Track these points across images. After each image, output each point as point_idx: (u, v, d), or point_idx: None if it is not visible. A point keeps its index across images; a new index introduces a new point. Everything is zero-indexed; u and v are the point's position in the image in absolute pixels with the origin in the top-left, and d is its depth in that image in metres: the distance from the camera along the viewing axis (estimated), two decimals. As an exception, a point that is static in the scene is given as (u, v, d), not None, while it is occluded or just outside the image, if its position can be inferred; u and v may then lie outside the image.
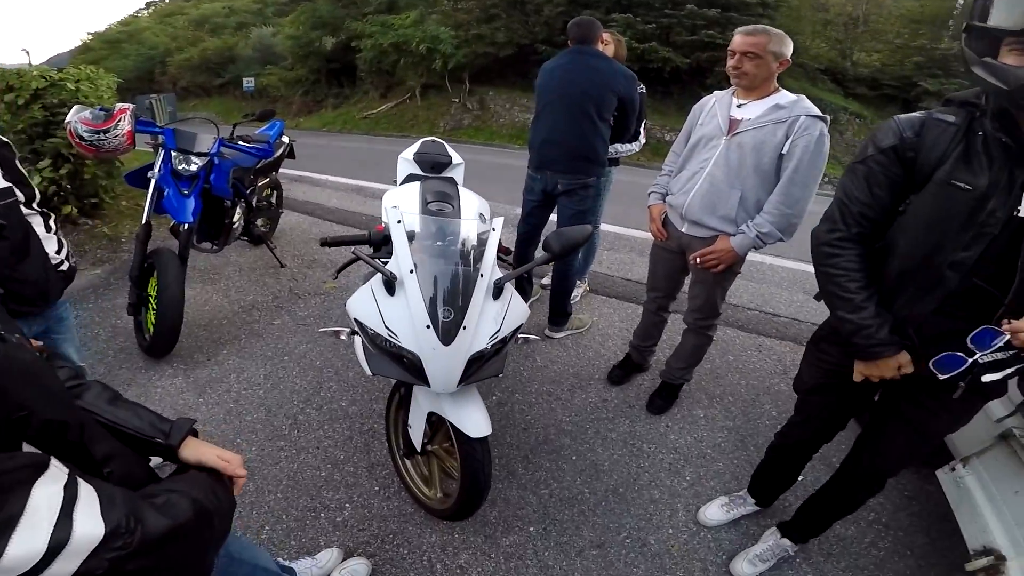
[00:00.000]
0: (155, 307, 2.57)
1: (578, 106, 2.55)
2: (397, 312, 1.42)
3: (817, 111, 1.86)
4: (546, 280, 3.51)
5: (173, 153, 2.76)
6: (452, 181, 2.16)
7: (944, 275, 1.18)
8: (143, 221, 2.69)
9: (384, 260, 1.56)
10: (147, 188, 2.73)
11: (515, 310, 1.54)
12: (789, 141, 1.84)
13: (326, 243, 1.63)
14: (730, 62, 1.93)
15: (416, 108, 17.48)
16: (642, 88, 2.84)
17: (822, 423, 1.66)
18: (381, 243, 1.63)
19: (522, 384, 2.68)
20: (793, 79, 14.88)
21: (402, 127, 16.68)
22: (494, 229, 1.60)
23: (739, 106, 1.98)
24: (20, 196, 1.58)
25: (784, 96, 1.92)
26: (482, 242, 1.56)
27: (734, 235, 2.02)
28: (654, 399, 2.57)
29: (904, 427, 1.43)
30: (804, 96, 1.91)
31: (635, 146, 3.02)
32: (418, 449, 1.71)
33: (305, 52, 21.77)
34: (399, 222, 1.53)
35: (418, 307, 1.38)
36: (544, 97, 2.68)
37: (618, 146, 2.91)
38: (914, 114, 1.26)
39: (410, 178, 2.44)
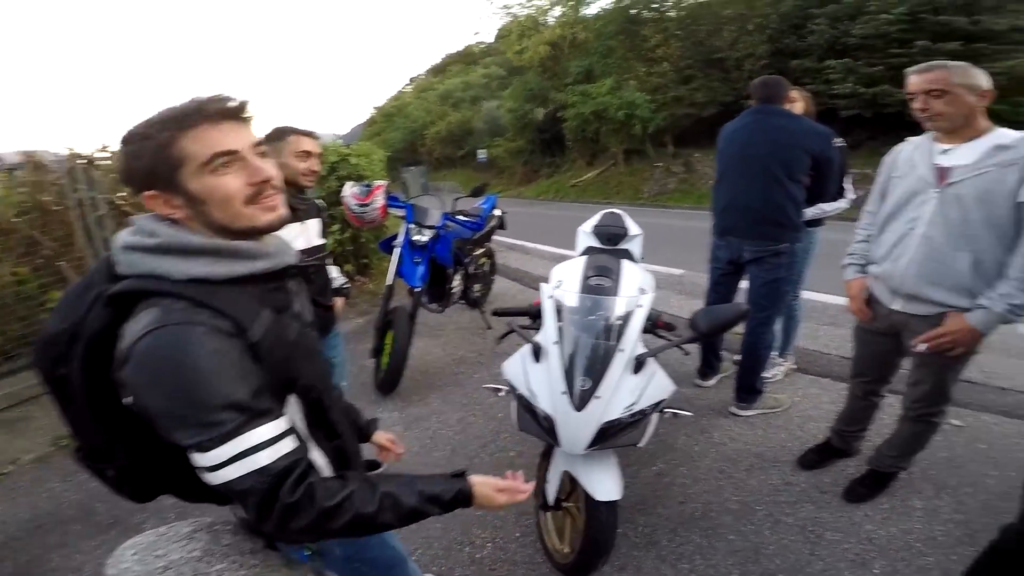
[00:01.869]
0: (388, 353, 3.25)
1: (763, 167, 2.44)
2: (540, 377, 1.61)
3: None
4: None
5: (410, 226, 3.39)
6: (619, 255, 2.25)
7: None
8: (387, 283, 3.39)
9: (538, 331, 1.77)
10: (391, 254, 3.40)
11: (657, 385, 1.61)
12: None
13: (496, 313, 1.93)
14: (915, 105, 1.72)
15: (620, 174, 17.81)
16: (841, 142, 2.67)
17: None
18: (538, 315, 1.84)
19: (691, 458, 2.59)
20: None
21: (607, 194, 17.08)
22: (641, 305, 1.69)
23: (944, 152, 1.73)
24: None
25: (1005, 134, 1.65)
26: (626, 317, 1.66)
27: (969, 309, 1.69)
28: (856, 487, 2.24)
29: None
30: None
31: (843, 203, 2.80)
32: (551, 503, 1.79)
33: (522, 123, 23.76)
34: (550, 297, 1.75)
35: (557, 374, 1.55)
36: (725, 160, 2.63)
37: (823, 206, 2.73)
38: None
39: (587, 250, 2.58)
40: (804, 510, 2.19)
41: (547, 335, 1.66)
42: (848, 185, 2.84)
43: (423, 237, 3.41)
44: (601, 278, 1.88)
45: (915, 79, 1.72)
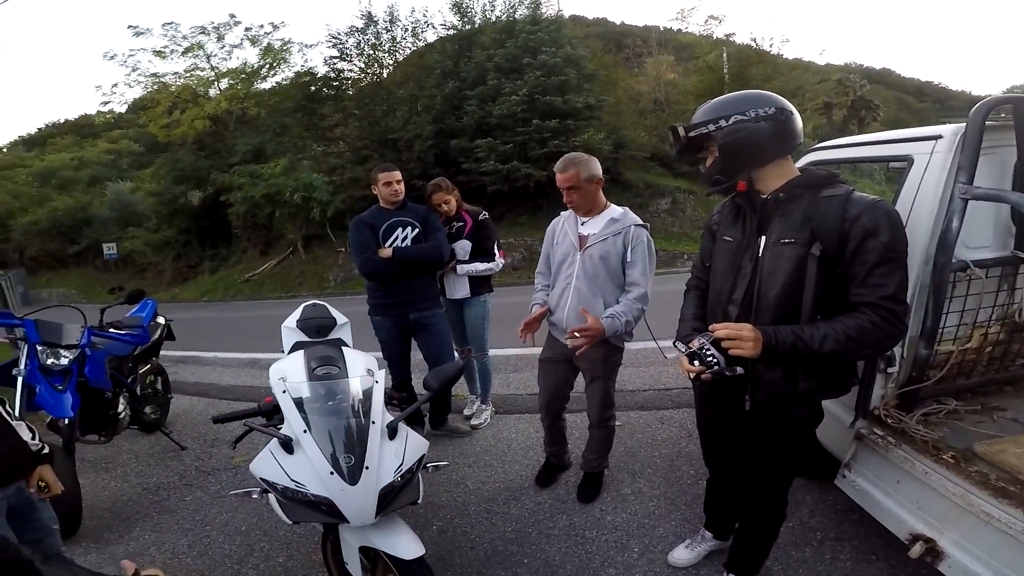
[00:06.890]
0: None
1: None
2: (300, 466, 1.55)
3: (640, 220, 2.34)
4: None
5: (38, 348, 2.63)
6: (337, 343, 2.33)
7: (728, 311, 1.60)
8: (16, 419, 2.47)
9: (278, 426, 1.70)
10: (14, 387, 2.52)
11: (413, 444, 1.72)
12: (628, 250, 2.28)
13: (218, 420, 1.74)
14: (564, 198, 2.35)
15: (301, 263, 16.34)
16: (484, 215, 3.35)
17: (718, 450, 1.96)
18: (272, 412, 1.77)
19: (459, 509, 2.70)
20: (630, 170, 15.80)
21: (289, 286, 15.43)
22: (377, 381, 1.80)
23: (583, 223, 2.39)
24: None
25: (615, 210, 2.38)
26: (368, 394, 1.75)
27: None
28: (582, 490, 2.70)
29: (749, 457, 1.74)
30: (628, 208, 2.38)
31: (494, 265, 3.34)
32: None
33: (170, 209, 19.84)
34: (284, 392, 1.70)
35: (318, 459, 1.54)
36: None
37: (477, 265, 3.26)
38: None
39: (297, 346, 2.52)
40: (561, 520, 2.55)
41: (294, 427, 1.63)
42: (496, 250, 3.38)
43: (61, 360, 2.69)
44: (327, 367, 1.89)
45: (559, 177, 2.31)
